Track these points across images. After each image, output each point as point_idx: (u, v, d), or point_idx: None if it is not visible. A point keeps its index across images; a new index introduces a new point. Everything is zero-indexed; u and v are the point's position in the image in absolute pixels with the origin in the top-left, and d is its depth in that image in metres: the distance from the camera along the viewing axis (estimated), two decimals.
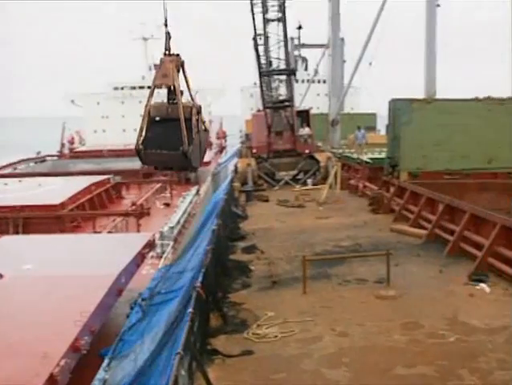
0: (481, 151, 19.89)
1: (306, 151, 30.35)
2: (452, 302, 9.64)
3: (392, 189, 20.01)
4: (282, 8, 26.83)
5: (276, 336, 8.38)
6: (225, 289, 10.88)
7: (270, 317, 9.20)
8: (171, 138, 13.13)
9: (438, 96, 31.86)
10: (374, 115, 49.37)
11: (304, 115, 32.09)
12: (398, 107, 19.78)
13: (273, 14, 27.24)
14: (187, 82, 13.49)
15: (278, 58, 29.25)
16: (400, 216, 17.63)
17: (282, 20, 27.22)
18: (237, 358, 7.69)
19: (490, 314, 8.97)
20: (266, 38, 28.31)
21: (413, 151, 19.44)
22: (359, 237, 15.03)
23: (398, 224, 16.48)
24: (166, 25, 13.24)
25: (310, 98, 59.07)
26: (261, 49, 28.48)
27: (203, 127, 13.94)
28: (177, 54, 13.21)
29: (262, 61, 28.88)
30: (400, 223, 16.78)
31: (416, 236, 14.89)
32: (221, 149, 56.49)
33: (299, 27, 34.06)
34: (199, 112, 13.41)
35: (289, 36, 28.83)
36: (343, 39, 50.62)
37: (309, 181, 28.40)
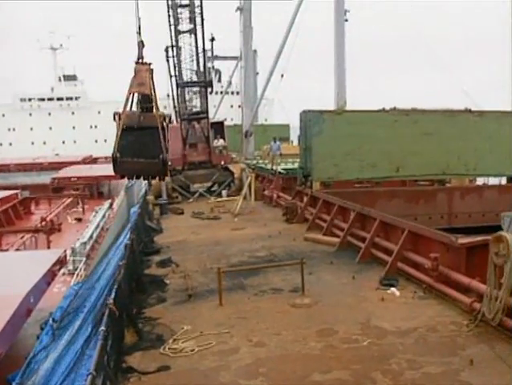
0: (389, 161, 20.63)
1: (222, 162, 30.45)
2: (364, 307, 9.90)
3: (305, 199, 20.39)
4: (193, 20, 26.87)
5: (193, 350, 8.27)
6: (140, 304, 10.66)
7: (186, 330, 9.09)
8: (146, 146, 12.86)
9: (353, 107, 32.84)
10: (287, 126, 50.30)
11: (218, 127, 32.20)
12: (309, 118, 20.19)
13: (186, 25, 27.26)
14: (154, 90, 13.27)
15: (193, 70, 29.23)
16: (314, 225, 17.98)
17: (194, 32, 27.26)
18: (153, 375, 7.52)
19: (401, 317, 9.27)
20: (179, 49, 28.25)
21: (325, 161, 19.90)
22: (274, 247, 15.19)
23: (312, 233, 16.79)
24: (139, 33, 13.02)
25: (224, 109, 59.46)
26: (176, 60, 28.40)
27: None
28: (150, 63, 13.03)
29: (177, 72, 28.80)
30: (314, 232, 17.11)
31: (329, 244, 15.21)
32: None
33: (212, 39, 34.11)
34: (165, 121, 13.28)
35: (201, 48, 28.80)
36: (255, 51, 51.34)
37: (224, 193, 28.48)
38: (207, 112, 30.09)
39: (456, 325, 8.82)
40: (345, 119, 20.63)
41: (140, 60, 13.18)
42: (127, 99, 12.88)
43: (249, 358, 7.87)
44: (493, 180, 25.78)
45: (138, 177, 15.32)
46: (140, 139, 12.94)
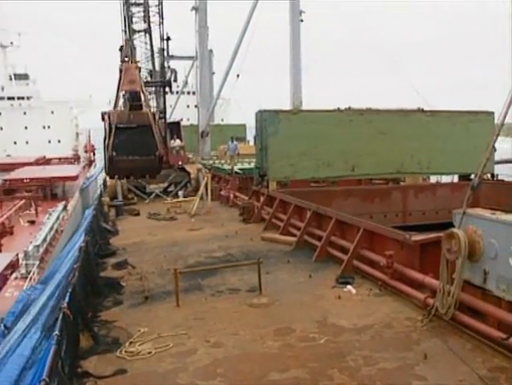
0: (345, 160, 20.85)
1: (179, 162, 30.25)
2: (321, 305, 9.98)
3: (261, 199, 20.45)
4: (147, 19, 26.62)
5: (150, 352, 8.18)
6: (96, 307, 10.48)
7: (143, 333, 8.98)
8: (140, 144, 12.59)
9: (309, 107, 33.03)
10: (244, 126, 50.28)
11: (175, 127, 31.98)
12: (265, 118, 20.24)
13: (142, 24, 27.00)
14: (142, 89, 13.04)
15: (148, 69, 28.96)
16: (271, 224, 18.04)
17: (149, 32, 27.02)
18: (109, 379, 7.40)
19: (357, 314, 9.38)
20: (134, 48, 27.97)
21: (281, 160, 19.98)
22: (230, 247, 15.19)
23: (268, 233, 16.85)
24: (126, 32, 12.80)
25: (180, 109, 59.07)
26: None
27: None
28: (137, 61, 12.82)
29: None
30: (271, 231, 17.17)
31: (286, 243, 15.29)
32: (90, 163, 54.80)
33: (167, 38, 33.76)
34: (155, 118, 13.06)
35: (160, 47, 28.60)
36: (211, 51, 51.19)
37: (180, 193, 28.31)
38: (164, 112, 29.86)
39: (410, 320, 8.98)
40: (301, 119, 20.75)
41: (127, 58, 12.96)
42: (118, 98, 12.62)
43: (207, 359, 7.83)
44: (445, 178, 26.34)
45: (132, 176, 15.05)
46: (132, 138, 12.73)
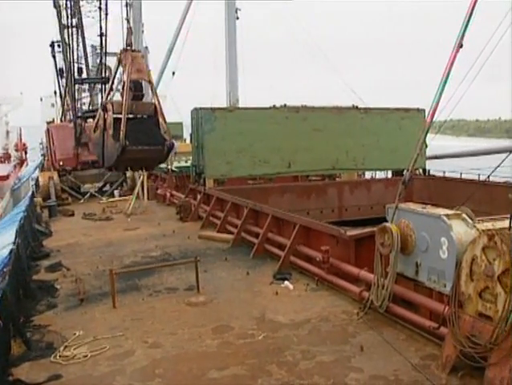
0: (281, 157, 21.01)
1: None
2: (259, 302, 10.03)
3: (198, 197, 20.35)
4: (78, 14, 26.06)
5: (86, 355, 7.98)
6: (28, 312, 10.15)
7: (78, 336, 8.77)
8: (146, 134, 12.18)
9: (246, 105, 33.01)
10: (180, 124, 49.78)
11: None
12: (201, 116, 20.12)
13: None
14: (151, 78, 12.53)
15: (81, 64, 28.28)
16: (208, 222, 18.00)
17: (80, 27, 26.45)
18: None
19: (294, 310, 9.49)
20: (66, 44, 27.31)
21: (217, 158, 19.93)
22: (168, 246, 15.06)
23: (206, 231, 16.80)
24: (128, 20, 12.33)
25: None
26: (69, 56, 27.37)
27: None
28: (139, 50, 12.40)
29: (62, 68, 27.81)
30: (208, 229, 17.14)
31: (223, 241, 15.28)
32: (21, 162, 53.14)
33: (101, 34, 32.87)
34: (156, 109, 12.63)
35: (93, 44, 28.03)
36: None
37: (116, 193, 27.87)
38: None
39: (347, 314, 9.16)
40: (237, 117, 20.76)
41: (129, 47, 12.58)
42: (127, 87, 12.19)
43: (145, 360, 7.72)
44: (380, 174, 26.96)
45: (137, 167, 14.49)
46: (138, 128, 12.37)
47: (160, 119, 12.57)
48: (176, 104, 55.23)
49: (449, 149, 32.61)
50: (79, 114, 29.00)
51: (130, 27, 12.83)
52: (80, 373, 7.49)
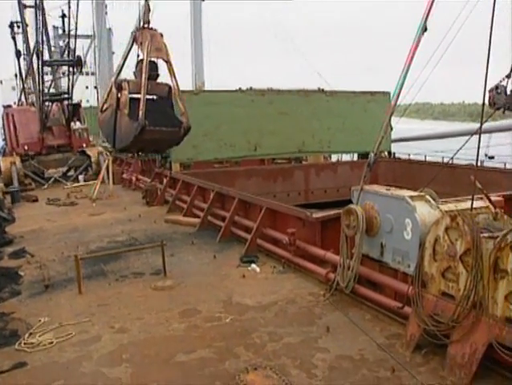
0: (247, 140, 21.00)
1: (84, 145, 29.35)
2: (226, 285, 10.05)
3: (164, 181, 20.23)
4: None
5: (51, 342, 7.89)
6: None
7: (44, 323, 8.66)
8: (163, 115, 11.87)
9: (212, 88, 32.79)
10: None
11: (74, 109, 30.85)
12: None
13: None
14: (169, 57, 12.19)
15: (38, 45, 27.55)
16: (174, 206, 17.92)
17: (40, 8, 25.82)
18: (7, 374, 7.06)
19: (261, 292, 9.53)
20: (26, 25, 26.64)
21: (183, 142, 19.79)
22: (134, 231, 14.95)
23: (172, 215, 16.73)
24: None
25: (79, 91, 57.02)
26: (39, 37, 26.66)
27: None
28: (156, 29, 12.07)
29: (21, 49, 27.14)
30: (174, 213, 17.06)
31: (190, 225, 15.23)
32: None
33: (63, 16, 31.93)
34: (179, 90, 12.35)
35: (69, 25, 27.18)
36: (110, 30, 49.60)
37: (80, 177, 27.53)
38: (68, 93, 28.56)
39: (313, 295, 9.24)
40: (202, 100, 20.63)
41: (147, 25, 12.28)
42: (145, 65, 11.86)
43: (112, 346, 7.68)
44: (346, 157, 27.17)
45: (149, 150, 14.10)
46: (154, 108, 12.10)
47: (179, 101, 12.41)
48: None
49: (414, 132, 32.98)
50: (47, 97, 28.36)
51: (148, 4, 12.54)
52: (46, 360, 7.41)
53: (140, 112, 12.03)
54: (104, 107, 13.49)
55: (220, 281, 10.31)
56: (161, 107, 12.62)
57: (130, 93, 12.56)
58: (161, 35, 12.63)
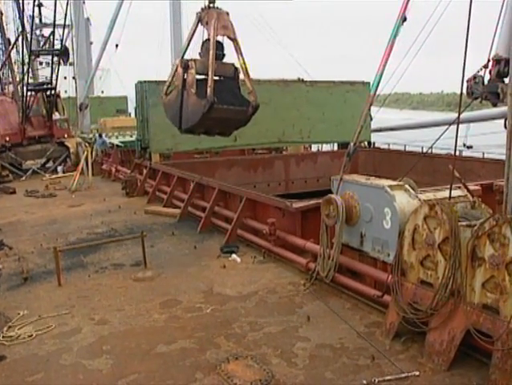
0: None
1: (65, 135, 29.06)
2: (207, 276, 10.05)
3: (144, 171, 20.14)
4: None
5: (31, 335, 7.82)
6: None
7: (23, 316, 8.57)
8: (230, 94, 11.75)
9: None
10: (125, 98, 48.85)
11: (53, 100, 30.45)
12: (145, 89, 19.78)
13: None
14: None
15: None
16: (154, 197, 17.85)
17: None
18: None
19: (242, 282, 9.56)
20: (1, 14, 26.23)
21: (163, 132, 19.59)
22: (114, 222, 14.86)
23: (152, 206, 16.66)
24: None
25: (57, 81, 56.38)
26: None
27: None
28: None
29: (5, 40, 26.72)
30: (154, 204, 17.00)
31: (170, 215, 15.19)
32: None
33: (39, 5, 31.36)
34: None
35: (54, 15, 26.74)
36: (88, 19, 48.94)
37: (59, 169, 27.25)
38: (51, 83, 28.16)
39: (293, 285, 9.29)
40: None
41: (212, 5, 12.29)
42: (213, 44, 11.80)
43: (92, 337, 7.64)
44: (326, 147, 27.23)
45: (215, 131, 13.89)
46: (221, 87, 12.01)
47: (247, 80, 12.42)
48: (121, 78, 54.16)
49: (393, 122, 33.17)
50: (31, 87, 27.98)
51: None
52: (25, 353, 7.34)
53: (209, 89, 11.93)
54: (169, 90, 13.46)
55: (200, 272, 10.30)
56: (228, 87, 12.66)
57: (197, 73, 12.57)
58: (227, 14, 12.65)
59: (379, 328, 7.30)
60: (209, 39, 12.58)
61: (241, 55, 12.93)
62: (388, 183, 8.06)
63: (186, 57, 13.28)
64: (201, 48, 12.88)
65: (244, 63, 13.04)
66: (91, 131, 35.05)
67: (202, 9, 12.91)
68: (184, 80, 12.73)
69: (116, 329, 7.90)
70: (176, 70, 13.12)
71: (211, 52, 12.23)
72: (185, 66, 12.70)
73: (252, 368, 6.41)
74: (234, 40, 12.84)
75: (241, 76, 13.31)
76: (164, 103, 13.94)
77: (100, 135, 29.39)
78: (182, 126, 13.25)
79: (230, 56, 13.18)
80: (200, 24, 12.93)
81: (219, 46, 12.82)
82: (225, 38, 12.90)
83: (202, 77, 12.61)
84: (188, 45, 13.32)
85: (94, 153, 26.55)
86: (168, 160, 20.20)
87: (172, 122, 13.72)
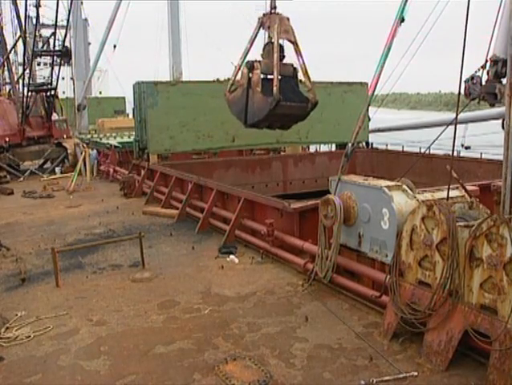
0: (225, 131, 20.86)
1: (64, 136, 29.07)
2: (205, 276, 10.04)
3: (142, 172, 20.13)
4: None
5: (29, 336, 7.80)
6: None
7: (20, 317, 8.56)
8: (292, 92, 12.39)
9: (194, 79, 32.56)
10: (123, 98, 48.86)
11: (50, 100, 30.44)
12: (143, 90, 19.79)
13: None
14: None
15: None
16: (152, 198, 17.84)
17: None
18: None
19: (240, 283, 9.55)
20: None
21: (160, 133, 19.67)
22: (112, 223, 14.86)
23: (150, 207, 16.65)
24: None
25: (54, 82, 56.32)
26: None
27: None
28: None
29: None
30: (153, 205, 17.00)
31: (168, 216, 15.18)
32: None
33: (38, 5, 31.26)
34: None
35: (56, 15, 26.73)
36: (86, 20, 48.94)
37: (57, 170, 27.22)
38: (51, 84, 28.14)
39: (292, 286, 9.28)
40: (179, 90, 20.47)
41: (274, 10, 12.96)
42: (277, 46, 12.44)
43: (90, 338, 7.63)
44: (324, 147, 27.22)
45: (277, 125, 14.59)
46: (284, 86, 12.66)
47: (306, 79, 13.14)
48: (119, 79, 54.16)
49: (390, 122, 33.16)
50: (32, 88, 27.98)
51: None
52: (23, 354, 7.33)
53: (275, 88, 12.69)
54: (232, 88, 14.16)
55: (198, 273, 10.30)
56: (289, 85, 13.29)
57: (263, 72, 13.31)
58: (287, 19, 13.27)
59: (377, 328, 7.30)
60: (272, 42, 13.25)
61: (301, 56, 13.68)
62: (385, 183, 8.06)
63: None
64: (263, 50, 13.56)
65: (304, 64, 13.71)
66: (89, 132, 35.03)
67: (264, 14, 13.62)
68: (250, 79, 13.40)
69: (114, 330, 7.88)
70: (238, 71, 13.85)
71: (275, 55, 12.93)
72: (251, 66, 13.40)
73: (250, 369, 6.41)
74: (295, 43, 13.55)
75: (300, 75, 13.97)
76: (228, 100, 14.66)
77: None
78: (248, 121, 14.01)
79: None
80: (262, 28, 13.60)
81: (280, 48, 13.47)
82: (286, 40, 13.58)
83: (265, 76, 13.41)
84: (251, 47, 13.94)
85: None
86: (166, 160, 20.20)
87: (237, 117, 14.45)
